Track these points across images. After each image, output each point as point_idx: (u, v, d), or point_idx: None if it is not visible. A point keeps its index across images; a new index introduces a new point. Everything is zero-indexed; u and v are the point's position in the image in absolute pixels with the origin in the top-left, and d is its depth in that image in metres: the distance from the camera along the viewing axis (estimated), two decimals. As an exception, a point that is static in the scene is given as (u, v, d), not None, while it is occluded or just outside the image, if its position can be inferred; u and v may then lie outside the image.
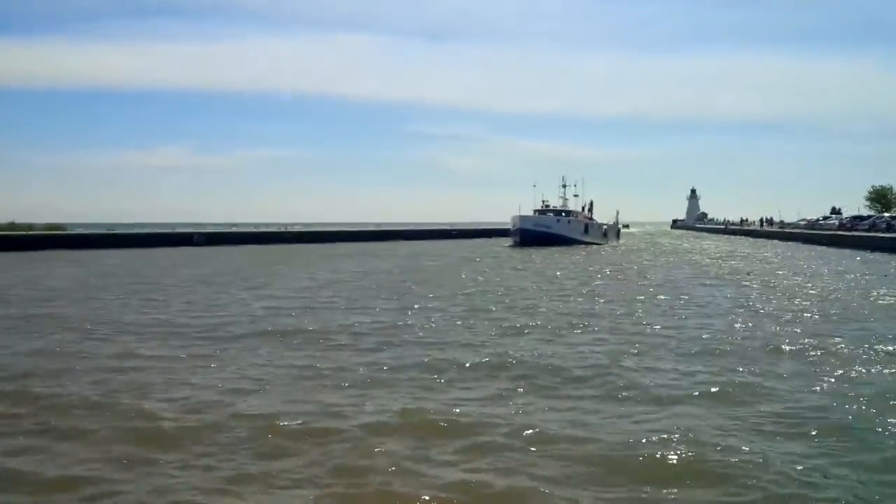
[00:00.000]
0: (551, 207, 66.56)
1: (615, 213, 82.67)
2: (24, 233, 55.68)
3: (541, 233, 60.18)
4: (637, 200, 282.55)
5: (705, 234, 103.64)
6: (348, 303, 19.75)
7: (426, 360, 11.51)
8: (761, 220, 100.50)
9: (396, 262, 39.83)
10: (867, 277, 28.21)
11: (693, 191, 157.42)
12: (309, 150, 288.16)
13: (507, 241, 63.38)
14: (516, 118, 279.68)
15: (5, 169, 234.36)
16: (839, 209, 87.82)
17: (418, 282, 26.54)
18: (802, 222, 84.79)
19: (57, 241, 54.91)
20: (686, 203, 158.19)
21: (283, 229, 77.04)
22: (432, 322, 15.98)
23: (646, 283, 26.87)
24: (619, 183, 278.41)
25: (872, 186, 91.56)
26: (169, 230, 69.93)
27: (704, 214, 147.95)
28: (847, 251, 49.06)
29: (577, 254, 49.77)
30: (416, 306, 18.77)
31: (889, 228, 57.06)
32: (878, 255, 44.02)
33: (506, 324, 15.56)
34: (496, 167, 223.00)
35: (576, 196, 69.91)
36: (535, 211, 65.31)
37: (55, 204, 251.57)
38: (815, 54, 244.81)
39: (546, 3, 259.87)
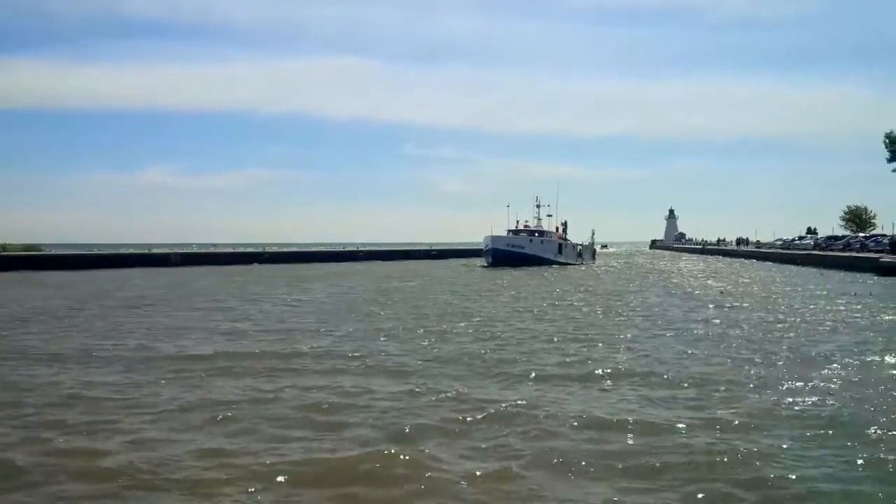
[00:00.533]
0: (524, 227, 65.56)
1: (590, 234, 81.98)
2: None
3: (513, 253, 59.64)
4: (620, 220, 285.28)
5: (683, 255, 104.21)
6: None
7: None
8: (737, 240, 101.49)
9: (363, 284, 39.18)
10: (827, 292, 28.62)
11: (671, 211, 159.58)
12: (297, 172, 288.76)
13: (482, 261, 62.90)
14: (506, 139, 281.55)
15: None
16: (814, 229, 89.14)
17: (371, 305, 25.56)
18: (778, 242, 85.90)
19: (29, 262, 54.37)
20: (665, 223, 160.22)
21: (261, 250, 76.56)
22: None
23: (604, 301, 27.01)
24: (603, 203, 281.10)
25: (848, 207, 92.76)
26: (145, 251, 69.33)
27: (683, 235, 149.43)
28: (819, 270, 49.63)
29: (547, 274, 49.09)
30: (351, 329, 18.13)
31: (863, 248, 57.84)
32: (846, 275, 44.59)
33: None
34: (485, 188, 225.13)
35: (549, 216, 68.38)
36: (509, 231, 64.38)
37: (38, 225, 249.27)
38: (798, 77, 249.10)
39: (535, 27, 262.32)
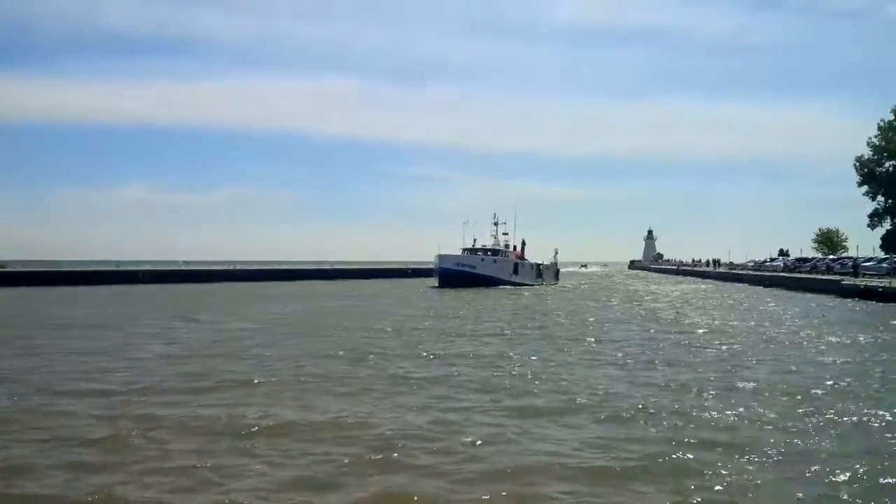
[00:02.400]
0: (479, 247, 62.79)
1: (553, 253, 77.59)
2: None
3: (462, 273, 57.56)
4: (601, 240, 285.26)
5: (657, 275, 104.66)
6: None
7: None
8: (708, 261, 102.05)
9: (314, 305, 38.39)
10: (788, 315, 28.72)
11: (650, 232, 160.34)
12: (282, 189, 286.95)
13: (433, 281, 60.13)
14: (486, 159, 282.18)
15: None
16: (786, 251, 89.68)
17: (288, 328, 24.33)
18: (750, 263, 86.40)
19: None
20: (643, 244, 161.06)
21: (230, 267, 76.06)
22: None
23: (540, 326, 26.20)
24: (584, 223, 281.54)
25: (819, 229, 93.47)
26: (113, 268, 68.60)
27: (660, 255, 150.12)
28: (784, 292, 49.90)
29: (492, 296, 46.34)
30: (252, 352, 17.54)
31: (828, 270, 58.26)
32: (811, 296, 44.85)
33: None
34: (466, 206, 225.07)
35: (504, 234, 65.49)
36: (465, 250, 61.92)
37: (18, 240, 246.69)
38: (775, 100, 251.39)
39: (517, 49, 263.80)
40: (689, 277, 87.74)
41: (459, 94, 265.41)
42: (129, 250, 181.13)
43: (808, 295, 45.99)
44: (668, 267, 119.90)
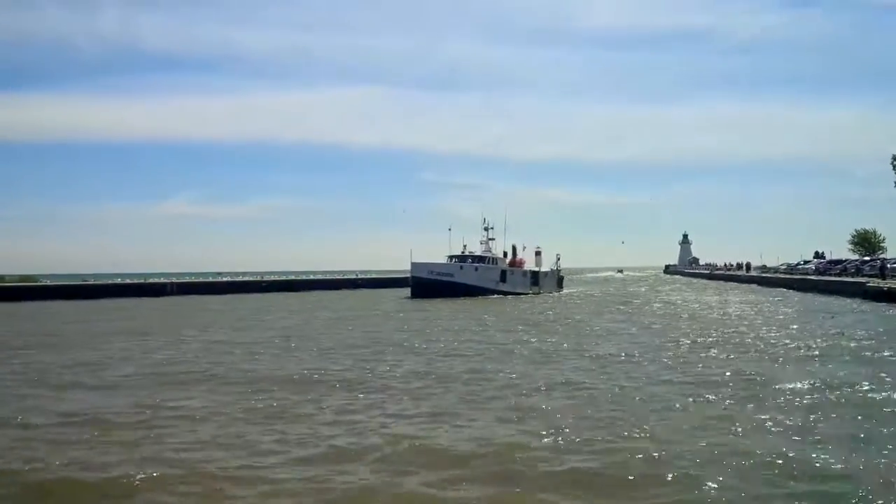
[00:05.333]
0: (468, 253, 58.96)
1: (555, 259, 72.55)
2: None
3: (438, 282, 54.15)
4: (637, 245, 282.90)
5: (690, 280, 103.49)
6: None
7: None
8: (738, 264, 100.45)
9: (332, 314, 39.06)
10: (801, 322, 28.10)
11: (685, 236, 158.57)
12: (318, 200, 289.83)
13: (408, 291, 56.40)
14: (520, 166, 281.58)
15: (17, 221, 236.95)
16: (822, 253, 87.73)
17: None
18: (783, 266, 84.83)
19: (24, 293, 55.22)
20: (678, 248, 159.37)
21: (258, 278, 77.08)
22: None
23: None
24: (620, 228, 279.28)
25: (856, 230, 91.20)
26: (142, 280, 69.93)
27: (696, 259, 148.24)
28: (807, 296, 48.87)
29: (457, 305, 43.33)
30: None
31: (858, 272, 56.82)
32: (834, 299, 43.84)
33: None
34: (502, 214, 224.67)
35: (491, 240, 60.78)
36: (450, 257, 58.11)
37: (65, 254, 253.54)
38: (810, 100, 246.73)
39: (544, 54, 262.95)
40: (720, 282, 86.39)
41: (491, 101, 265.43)
42: (170, 262, 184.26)
43: (832, 298, 44.99)
44: (701, 271, 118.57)
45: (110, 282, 67.44)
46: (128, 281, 69.07)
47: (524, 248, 65.44)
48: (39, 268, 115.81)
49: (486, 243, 60.52)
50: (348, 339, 24.10)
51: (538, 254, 71.01)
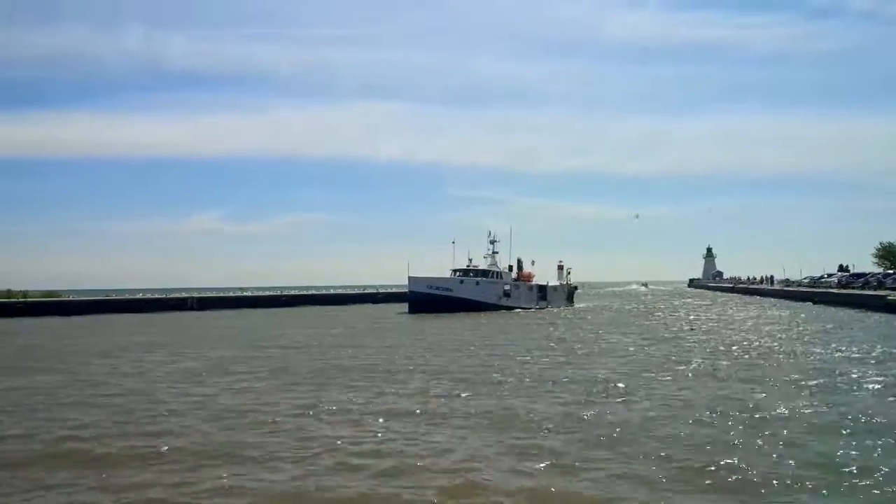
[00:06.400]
0: (472, 267, 57.13)
1: (564, 273, 70.31)
2: (14, 300, 57.00)
3: (436, 297, 52.70)
4: (662, 259, 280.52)
5: (712, 293, 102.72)
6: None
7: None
8: (762, 278, 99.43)
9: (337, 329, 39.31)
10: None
11: (709, 249, 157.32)
12: (342, 215, 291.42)
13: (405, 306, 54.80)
14: (545, 180, 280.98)
15: (42, 237, 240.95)
16: (846, 266, 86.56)
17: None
18: (806, 280, 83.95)
19: (48, 308, 56.13)
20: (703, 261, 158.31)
21: (279, 293, 77.73)
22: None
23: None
24: (647, 242, 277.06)
25: (881, 243, 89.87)
26: (162, 295, 70.74)
27: (720, 273, 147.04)
28: (827, 309, 48.35)
29: (445, 322, 41.61)
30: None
31: (880, 285, 56.06)
32: (855, 312, 43.35)
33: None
34: (527, 229, 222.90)
35: (495, 253, 59.08)
36: (454, 271, 56.44)
37: (91, 270, 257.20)
38: (839, 112, 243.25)
39: (566, 68, 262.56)
40: (743, 296, 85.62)
41: (513, 115, 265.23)
42: (196, 278, 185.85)
43: (853, 311, 44.49)
44: (725, 285, 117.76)
45: (131, 297, 68.27)
46: (149, 296, 69.86)
47: (532, 262, 64.22)
48: (66, 283, 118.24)
49: (491, 257, 59.05)
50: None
51: (560, 268, 70.50)
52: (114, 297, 68.16)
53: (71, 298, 63.24)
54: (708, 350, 23.63)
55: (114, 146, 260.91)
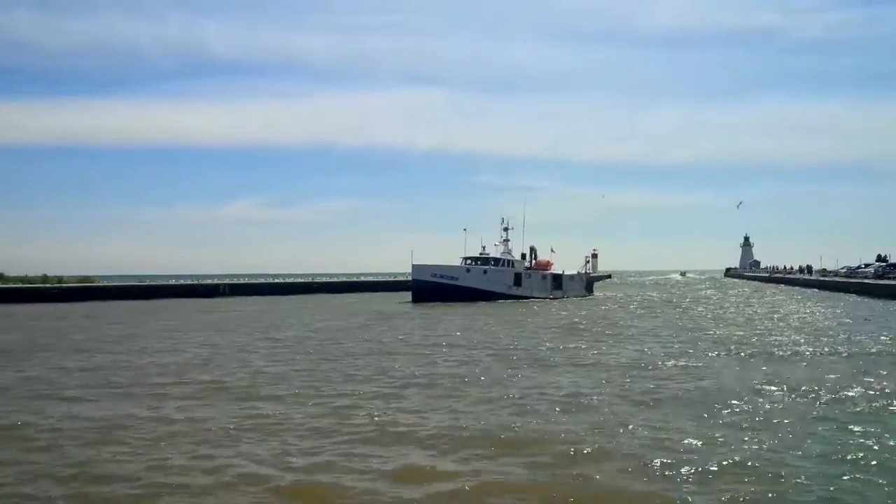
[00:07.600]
0: (483, 255, 55.14)
1: (584, 261, 67.64)
2: (49, 285, 58.35)
3: (441, 285, 50.88)
4: (700, 248, 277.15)
5: (747, 282, 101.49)
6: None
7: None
8: (800, 268, 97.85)
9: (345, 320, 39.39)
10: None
11: (746, 238, 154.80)
12: (377, 202, 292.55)
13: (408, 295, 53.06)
14: (582, 168, 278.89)
15: (82, 223, 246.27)
16: (885, 256, 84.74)
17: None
18: (843, 270, 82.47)
19: (82, 293, 57.44)
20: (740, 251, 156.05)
21: (310, 280, 78.73)
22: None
23: None
24: (682, 230, 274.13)
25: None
26: (195, 281, 71.93)
27: (757, 262, 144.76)
28: (862, 299, 47.59)
29: (440, 313, 39.85)
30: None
31: (917, 276, 54.86)
32: (886, 303, 42.59)
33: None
34: (563, 216, 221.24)
35: (507, 241, 56.63)
36: (464, 258, 54.48)
37: (129, 256, 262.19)
38: (882, 99, 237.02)
39: (606, 55, 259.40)
40: (779, 285, 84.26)
41: (552, 103, 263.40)
42: (234, 265, 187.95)
43: (889, 302, 43.74)
44: (761, 274, 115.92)
45: (164, 283, 69.53)
46: (181, 282, 71.08)
47: (552, 250, 61.50)
48: (103, 268, 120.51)
49: (503, 244, 56.66)
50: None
51: (595, 256, 69.09)
52: (147, 282, 69.46)
53: (105, 284, 64.61)
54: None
55: (151, 134, 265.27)
